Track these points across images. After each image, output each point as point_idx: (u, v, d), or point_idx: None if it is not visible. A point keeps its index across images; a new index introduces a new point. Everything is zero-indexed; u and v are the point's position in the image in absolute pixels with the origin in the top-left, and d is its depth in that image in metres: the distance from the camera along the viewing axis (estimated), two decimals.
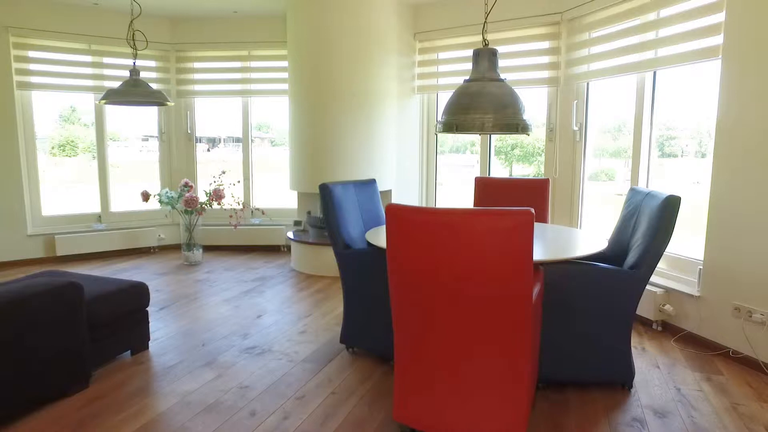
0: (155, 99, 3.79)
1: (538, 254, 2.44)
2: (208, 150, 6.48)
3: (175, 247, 6.07)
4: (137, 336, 3.08)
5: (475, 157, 5.42)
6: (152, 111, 5.98)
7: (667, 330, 3.49)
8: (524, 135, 2.51)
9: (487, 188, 4.12)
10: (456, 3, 5.02)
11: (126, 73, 5.45)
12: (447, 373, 2.04)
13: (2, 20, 5.00)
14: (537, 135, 4.97)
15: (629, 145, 3.90)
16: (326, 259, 4.89)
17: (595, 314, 2.52)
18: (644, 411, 2.45)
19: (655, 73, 3.71)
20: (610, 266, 2.52)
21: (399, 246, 1.99)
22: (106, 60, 5.58)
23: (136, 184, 5.82)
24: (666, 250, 2.53)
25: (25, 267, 5.18)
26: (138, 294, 3.04)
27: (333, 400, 2.54)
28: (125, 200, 5.88)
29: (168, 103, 3.91)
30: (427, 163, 5.61)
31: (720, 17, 3.06)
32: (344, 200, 3.12)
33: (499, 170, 5.55)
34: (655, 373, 2.85)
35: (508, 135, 4.73)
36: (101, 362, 2.89)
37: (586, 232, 3.13)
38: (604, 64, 4.03)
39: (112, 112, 5.80)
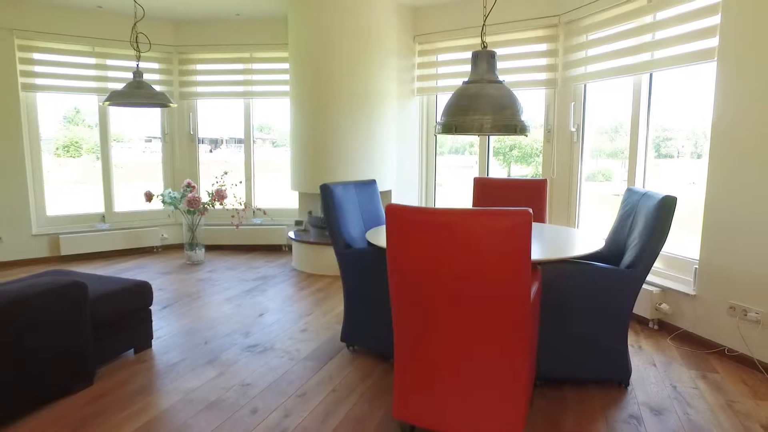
0: (158, 100, 3.79)
1: (536, 254, 2.44)
2: (211, 151, 6.48)
3: (178, 247, 6.07)
4: (140, 334, 3.08)
5: (473, 158, 5.42)
6: (155, 112, 5.98)
7: (664, 328, 3.49)
8: (522, 136, 2.51)
9: (485, 189, 4.12)
10: (455, 6, 5.03)
11: (129, 75, 5.46)
12: (446, 371, 2.04)
13: (7, 23, 5.00)
14: (535, 136, 4.97)
15: (626, 146, 3.90)
16: (327, 259, 4.89)
17: (593, 313, 2.52)
18: (641, 408, 2.45)
19: (651, 75, 3.71)
20: (607, 265, 2.52)
21: (399, 246, 1.99)
22: (110, 62, 5.58)
23: (139, 184, 5.82)
24: (662, 250, 2.53)
25: (29, 266, 5.19)
26: (141, 293, 3.04)
27: (334, 397, 2.54)
28: (129, 200, 5.88)
29: (171, 104, 3.91)
30: (427, 164, 5.61)
31: (715, 20, 3.06)
32: (345, 200, 3.12)
33: (497, 171, 5.55)
34: (652, 371, 2.85)
35: (506, 136, 4.73)
36: (105, 360, 2.89)
37: (584, 231, 3.13)
38: (601, 66, 4.03)
39: (116, 113, 5.80)
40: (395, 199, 5.36)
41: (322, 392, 2.59)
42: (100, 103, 5.52)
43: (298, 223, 5.47)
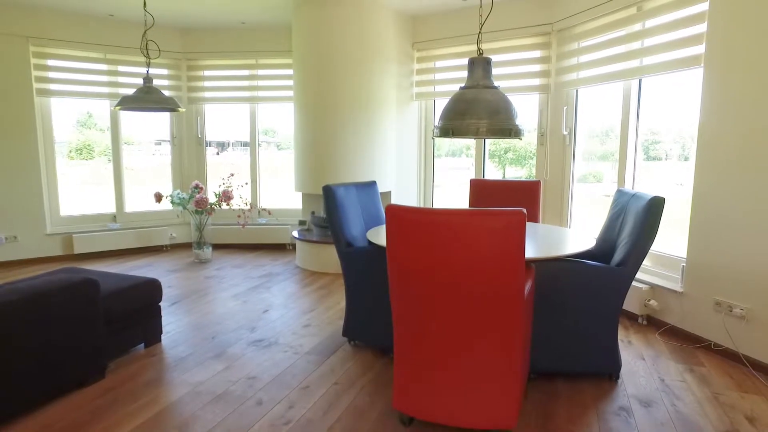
0: (167, 105, 3.79)
1: (530, 252, 2.44)
2: (218, 153, 6.48)
3: (186, 246, 6.07)
4: (150, 329, 3.08)
5: (470, 161, 5.41)
6: (164, 116, 5.98)
7: (652, 324, 3.49)
8: (517, 139, 2.51)
9: (481, 190, 4.12)
10: (452, 14, 5.03)
11: (140, 81, 5.45)
12: (444, 365, 2.05)
13: (23, 31, 5.00)
14: (529, 139, 4.97)
15: (616, 148, 3.90)
16: (329, 257, 4.89)
17: (584, 309, 2.52)
18: (630, 400, 2.45)
19: (640, 80, 3.71)
20: (598, 263, 2.52)
21: (398, 244, 1.99)
22: (121, 68, 5.58)
23: (149, 185, 5.82)
24: (651, 248, 2.53)
25: (44, 264, 5.19)
26: (151, 290, 3.04)
27: (336, 390, 2.55)
28: (139, 201, 5.88)
29: (179, 109, 3.91)
30: (425, 166, 5.61)
31: (702, 28, 3.06)
32: (346, 201, 3.13)
33: (493, 173, 5.55)
34: (641, 365, 2.86)
35: (501, 139, 4.73)
36: (116, 354, 2.89)
37: (576, 231, 3.14)
38: (592, 72, 4.03)
39: (127, 117, 5.80)
40: (395, 200, 5.36)
41: (324, 385, 2.60)
42: (112, 108, 5.52)
43: (301, 222, 5.47)
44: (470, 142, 5.32)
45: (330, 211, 2.99)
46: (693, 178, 3.14)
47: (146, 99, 3.71)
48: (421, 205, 5.62)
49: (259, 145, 6.10)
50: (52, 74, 5.24)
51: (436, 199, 5.67)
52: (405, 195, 5.50)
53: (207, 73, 5.95)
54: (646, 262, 3.65)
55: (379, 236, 2.80)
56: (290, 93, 5.72)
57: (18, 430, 2.17)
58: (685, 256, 3.25)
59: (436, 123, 2.53)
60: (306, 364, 2.85)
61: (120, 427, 2.19)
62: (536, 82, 4.60)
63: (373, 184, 3.55)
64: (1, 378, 2.15)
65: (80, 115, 5.95)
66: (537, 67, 4.58)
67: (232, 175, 5.55)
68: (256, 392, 2.52)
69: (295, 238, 5.14)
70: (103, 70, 5.48)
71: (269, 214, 6.02)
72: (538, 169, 4.71)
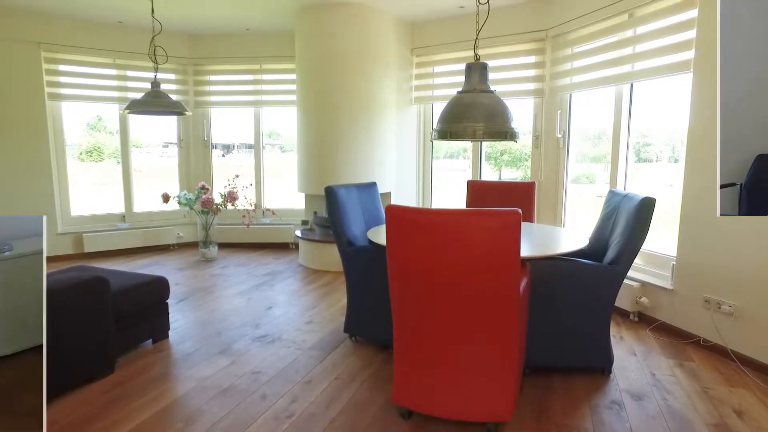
0: (174, 109, 3.79)
1: (525, 251, 2.44)
2: (223, 155, 6.48)
3: (193, 245, 6.07)
4: (158, 326, 3.08)
5: (467, 162, 5.41)
6: (172, 120, 5.97)
7: (643, 320, 3.49)
8: (512, 142, 2.51)
9: (478, 191, 4.12)
10: (450, 21, 5.02)
11: (148, 85, 5.43)
12: (442, 360, 2.04)
13: (35, 37, 5.00)
14: (524, 142, 4.96)
15: (608, 150, 3.90)
16: (331, 256, 4.89)
17: (578, 306, 2.52)
18: (622, 394, 2.45)
19: (632, 85, 3.70)
20: (591, 262, 2.52)
21: (398, 243, 1.99)
22: (130, 73, 5.57)
23: (156, 186, 5.82)
24: (642, 247, 2.53)
25: (55, 263, 5.18)
26: (159, 287, 3.04)
27: (337, 384, 2.54)
28: (147, 201, 5.88)
29: (186, 112, 3.91)
30: (424, 168, 5.60)
31: (691, 34, 3.06)
32: (348, 201, 3.12)
33: (489, 174, 5.54)
34: (632, 360, 2.85)
35: (497, 142, 4.73)
36: (125, 350, 2.89)
37: (569, 230, 3.13)
38: (585, 77, 4.03)
39: (135, 120, 5.79)
40: (394, 200, 5.35)
41: (326, 379, 2.59)
42: (121, 111, 5.51)
43: (304, 222, 5.47)
44: (467, 144, 5.32)
45: (332, 211, 2.99)
46: (683, 179, 3.14)
47: (154, 103, 3.70)
48: (420, 206, 5.62)
49: (263, 147, 6.10)
50: (63, 79, 5.24)
51: (434, 200, 5.67)
52: (404, 196, 5.50)
53: (213, 77, 5.95)
54: (637, 261, 3.65)
55: (380, 235, 2.80)
56: (293, 97, 5.71)
57: None
58: (675, 255, 3.25)
59: (435, 126, 2.52)
60: (308, 359, 2.85)
61: (128, 421, 2.19)
62: (531, 86, 4.59)
63: (373, 185, 3.55)
64: None
65: (90, 118, 5.94)
66: (532, 72, 4.58)
67: (237, 176, 5.55)
68: (261, 386, 2.52)
69: (298, 237, 5.14)
70: (112, 75, 5.48)
71: (273, 214, 6.02)
72: (532, 171, 4.71)
